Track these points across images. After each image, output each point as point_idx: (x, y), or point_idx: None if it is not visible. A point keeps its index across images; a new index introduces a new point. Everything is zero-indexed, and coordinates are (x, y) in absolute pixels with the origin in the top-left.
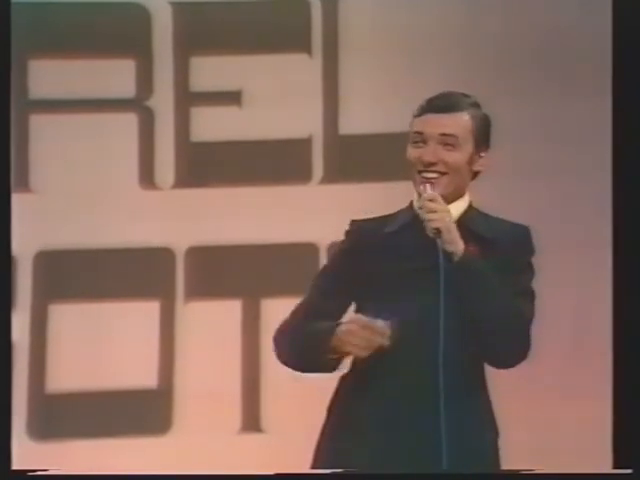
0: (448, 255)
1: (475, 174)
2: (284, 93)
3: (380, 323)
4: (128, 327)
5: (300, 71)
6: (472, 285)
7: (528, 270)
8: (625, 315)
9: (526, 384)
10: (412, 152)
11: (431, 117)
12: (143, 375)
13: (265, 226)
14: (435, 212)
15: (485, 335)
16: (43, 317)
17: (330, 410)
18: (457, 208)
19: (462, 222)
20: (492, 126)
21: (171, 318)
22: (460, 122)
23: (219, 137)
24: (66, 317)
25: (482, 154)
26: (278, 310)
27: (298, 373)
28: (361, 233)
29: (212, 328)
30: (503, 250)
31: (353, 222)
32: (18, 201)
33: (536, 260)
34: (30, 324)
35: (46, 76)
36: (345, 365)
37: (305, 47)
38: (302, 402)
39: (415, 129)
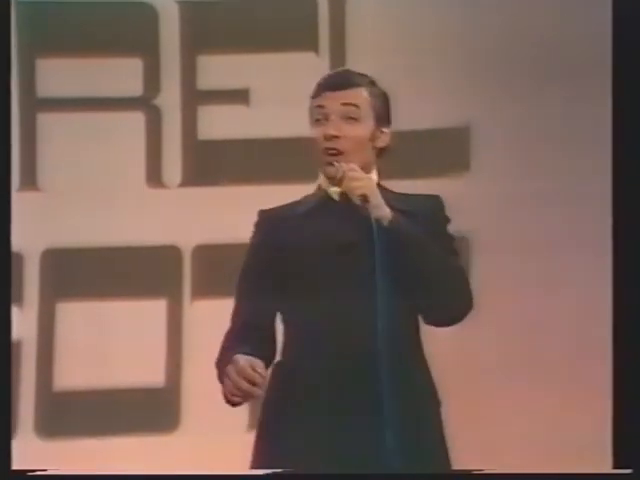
0: (377, 220)
1: (380, 152)
2: (291, 91)
3: (258, 365)
4: (135, 325)
5: (307, 69)
6: (407, 245)
7: (448, 236)
8: (625, 315)
9: (526, 384)
10: (315, 131)
11: (330, 94)
12: (150, 373)
13: None
14: (358, 179)
15: (428, 293)
16: (50, 315)
17: (264, 405)
18: None
19: None
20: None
21: (178, 316)
22: (359, 95)
23: (226, 135)
24: (73, 315)
25: (384, 130)
26: None
27: None
28: (271, 221)
29: (219, 326)
30: (420, 220)
31: (261, 212)
32: (25, 199)
33: (536, 260)
34: (37, 322)
35: (53, 75)
36: None
37: (312, 45)
38: None
39: (315, 104)
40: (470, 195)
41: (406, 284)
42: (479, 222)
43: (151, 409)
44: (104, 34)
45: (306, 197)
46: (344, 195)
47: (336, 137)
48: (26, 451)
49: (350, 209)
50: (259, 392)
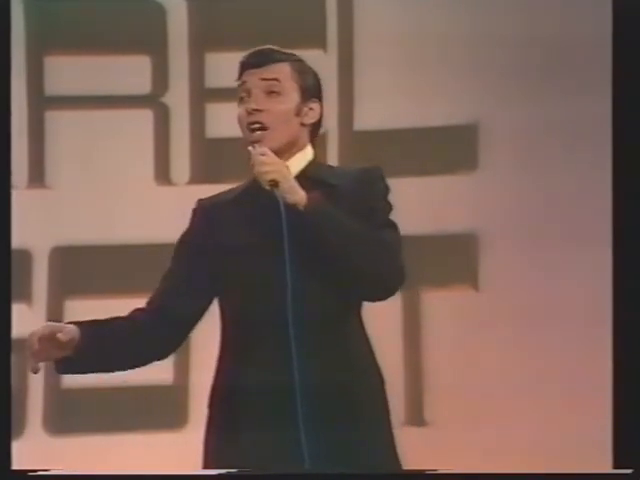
0: (291, 207)
1: (313, 129)
2: None
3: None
4: None
5: (315, 67)
6: (324, 228)
7: (385, 206)
8: (625, 315)
9: (526, 384)
10: (239, 108)
11: (251, 70)
12: (159, 371)
13: None
14: (267, 164)
15: (351, 272)
16: (59, 312)
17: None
18: (298, 161)
19: (305, 173)
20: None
21: None
22: (280, 70)
23: (234, 133)
24: (82, 312)
25: (312, 106)
26: None
27: None
28: (205, 208)
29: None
30: (353, 192)
31: (199, 201)
32: (34, 197)
33: (536, 260)
34: (46, 319)
35: (62, 73)
36: None
37: (320, 43)
38: None
39: (239, 83)
40: (478, 192)
41: (327, 266)
42: (487, 219)
43: (159, 406)
44: (112, 32)
45: (239, 186)
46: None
47: (258, 111)
48: (34, 448)
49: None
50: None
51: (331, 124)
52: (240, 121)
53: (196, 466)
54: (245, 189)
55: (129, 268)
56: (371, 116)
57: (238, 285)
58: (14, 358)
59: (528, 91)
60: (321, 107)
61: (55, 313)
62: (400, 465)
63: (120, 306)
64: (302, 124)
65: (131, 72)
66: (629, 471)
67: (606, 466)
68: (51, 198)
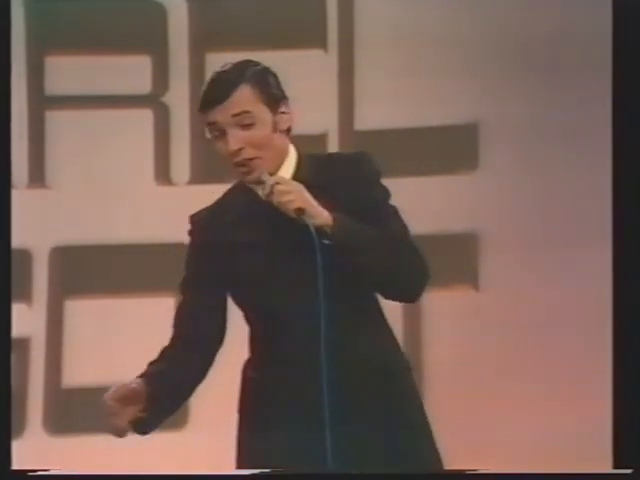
0: (319, 229)
1: (288, 129)
2: (299, 89)
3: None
4: (143, 322)
5: (316, 67)
6: (355, 245)
7: (382, 192)
8: (625, 314)
9: (526, 384)
10: (218, 146)
11: (216, 108)
12: None
13: None
14: (288, 192)
15: (383, 283)
16: (59, 312)
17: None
18: (288, 167)
19: (296, 177)
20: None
21: None
22: (243, 98)
23: None
24: (82, 312)
25: (283, 110)
26: None
27: None
28: (203, 229)
29: (228, 324)
30: (349, 186)
31: (192, 217)
32: (34, 197)
33: (537, 260)
34: (46, 319)
35: (62, 73)
36: None
37: (321, 43)
38: None
39: (207, 121)
40: (478, 192)
41: (355, 278)
42: (487, 219)
43: None
44: (113, 32)
45: (231, 194)
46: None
47: (240, 149)
48: (34, 448)
49: (281, 212)
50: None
51: (331, 124)
52: (224, 157)
53: (196, 466)
54: (246, 207)
55: (129, 268)
56: (371, 116)
57: (265, 292)
58: (14, 358)
59: (528, 91)
60: (288, 104)
61: (55, 313)
62: (441, 464)
63: (120, 306)
64: (280, 132)
65: (131, 72)
66: (629, 471)
67: (606, 466)
68: (51, 198)
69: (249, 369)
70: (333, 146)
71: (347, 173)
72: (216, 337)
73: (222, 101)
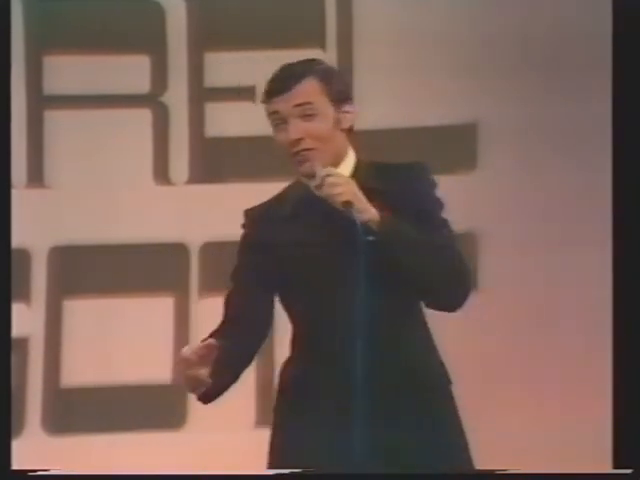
0: (365, 225)
1: (351, 130)
2: None
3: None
4: (142, 322)
5: None
6: (400, 245)
7: (436, 203)
8: (625, 315)
9: (526, 384)
10: (277, 136)
11: (279, 98)
12: (157, 370)
13: None
14: (338, 185)
15: (426, 288)
16: (57, 312)
17: (275, 409)
18: (346, 168)
19: (353, 179)
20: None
21: (185, 313)
22: (309, 89)
23: (233, 132)
24: (80, 312)
25: (346, 109)
26: None
27: None
28: (258, 223)
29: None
30: (405, 194)
31: (246, 212)
32: (32, 196)
33: (536, 260)
34: (45, 319)
35: (60, 72)
36: None
37: (319, 42)
38: None
39: (270, 111)
40: (477, 192)
41: (399, 281)
42: (486, 219)
43: (158, 406)
44: (111, 31)
45: (288, 190)
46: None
47: (300, 140)
48: (33, 448)
49: (331, 209)
50: (192, 372)
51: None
52: (282, 148)
53: (195, 465)
54: (301, 201)
55: (128, 268)
56: (370, 116)
57: (310, 290)
58: (13, 358)
59: (527, 91)
60: (353, 105)
61: (54, 313)
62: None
63: (119, 306)
64: (342, 130)
65: (130, 71)
66: (629, 471)
67: (606, 466)
68: (50, 197)
69: (290, 367)
70: None
71: (403, 181)
72: (261, 329)
73: (286, 91)
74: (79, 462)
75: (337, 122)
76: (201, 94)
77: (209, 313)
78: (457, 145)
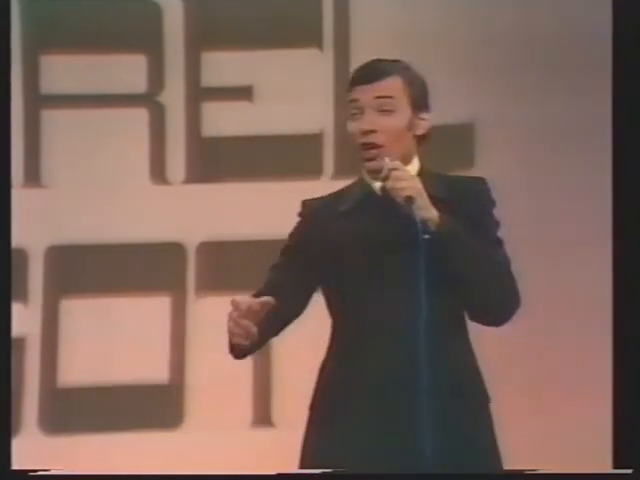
0: (424, 223)
1: (420, 138)
2: (295, 88)
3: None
4: (139, 322)
5: (311, 66)
6: (452, 249)
7: (492, 222)
8: (625, 314)
9: (526, 384)
10: (351, 126)
11: (362, 87)
12: (154, 370)
13: (276, 221)
14: (403, 180)
15: (475, 296)
16: (54, 312)
17: (313, 405)
18: None
19: None
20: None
21: (182, 313)
22: (393, 85)
23: (230, 132)
24: (77, 312)
25: (423, 117)
26: None
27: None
28: (315, 215)
29: (223, 323)
30: (464, 207)
31: (304, 203)
32: (29, 196)
33: (535, 260)
34: (41, 318)
35: (57, 71)
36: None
37: (316, 42)
38: None
39: (350, 99)
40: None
41: (450, 286)
42: None
43: (155, 406)
44: (108, 31)
45: (349, 188)
46: (386, 189)
47: (372, 131)
48: (30, 447)
49: (395, 206)
50: (245, 322)
51: (327, 123)
52: (353, 137)
53: (191, 465)
54: (360, 198)
55: (125, 267)
56: None
57: (355, 289)
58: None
59: (526, 91)
60: (429, 115)
61: (51, 312)
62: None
63: (116, 306)
64: (413, 136)
65: (127, 71)
66: (629, 471)
67: (606, 466)
68: (47, 197)
69: (333, 365)
70: (329, 145)
71: (465, 195)
72: (294, 307)
73: (370, 82)
74: (76, 462)
75: (411, 125)
76: (198, 94)
77: (206, 312)
78: (454, 144)
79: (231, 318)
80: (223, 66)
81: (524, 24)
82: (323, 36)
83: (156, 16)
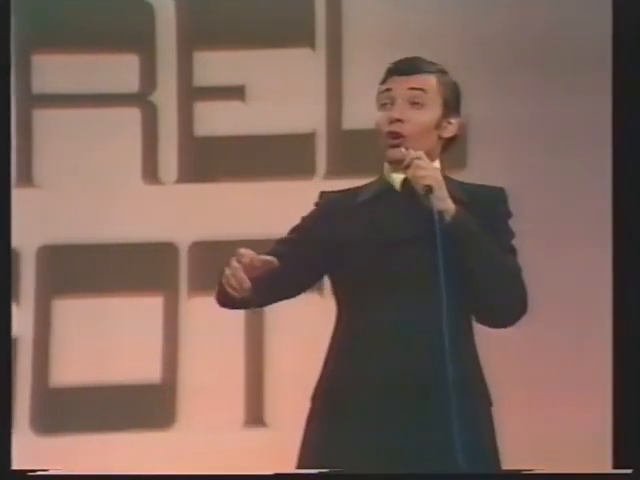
0: (440, 214)
1: (447, 143)
2: (287, 88)
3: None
4: (131, 322)
5: (304, 66)
6: (467, 243)
7: (507, 231)
8: (625, 315)
9: (526, 384)
10: (380, 115)
11: (397, 78)
12: (146, 370)
13: (268, 221)
14: (424, 169)
15: (484, 294)
16: (46, 312)
17: (315, 397)
18: None
19: None
20: (494, 122)
21: (174, 313)
22: (427, 82)
23: (222, 132)
24: (69, 312)
25: (452, 120)
26: (281, 305)
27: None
28: (332, 204)
29: (215, 323)
30: (481, 213)
31: (322, 194)
32: (21, 196)
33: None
34: (34, 319)
35: (49, 71)
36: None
37: (309, 41)
38: (305, 395)
39: (382, 89)
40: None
41: (461, 282)
42: None
43: (147, 406)
44: (100, 30)
45: (367, 185)
46: (406, 184)
47: (400, 121)
48: (22, 447)
49: (411, 200)
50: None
51: (319, 123)
52: (379, 126)
53: (184, 465)
54: (377, 191)
55: (117, 267)
56: (360, 115)
57: (364, 282)
58: (3, 357)
59: (520, 90)
60: (460, 122)
61: (42, 313)
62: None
63: (108, 306)
64: (439, 137)
65: (119, 70)
66: (629, 471)
67: (606, 466)
68: (39, 197)
69: (336, 362)
70: (321, 145)
71: (482, 202)
72: (293, 284)
73: (407, 74)
74: (68, 462)
75: (439, 126)
76: (190, 93)
77: (198, 312)
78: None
79: (230, 266)
80: (215, 66)
81: (523, 23)
82: (315, 36)
83: (148, 16)
